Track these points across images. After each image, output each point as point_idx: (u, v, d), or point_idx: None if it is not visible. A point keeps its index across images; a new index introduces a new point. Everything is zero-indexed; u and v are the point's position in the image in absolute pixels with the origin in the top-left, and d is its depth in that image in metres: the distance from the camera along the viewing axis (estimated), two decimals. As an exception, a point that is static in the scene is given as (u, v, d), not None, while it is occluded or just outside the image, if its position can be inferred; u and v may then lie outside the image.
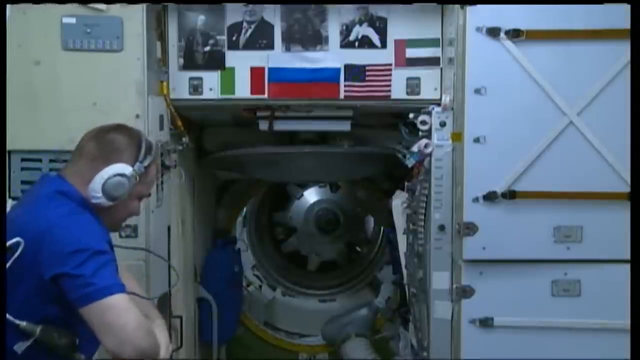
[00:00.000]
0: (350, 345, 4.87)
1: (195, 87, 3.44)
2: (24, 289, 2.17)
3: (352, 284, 5.58)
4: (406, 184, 3.66)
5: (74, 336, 2.23)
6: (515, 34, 3.08)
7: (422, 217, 3.35)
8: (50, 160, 3.13)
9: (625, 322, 2.69)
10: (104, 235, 2.30)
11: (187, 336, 3.87)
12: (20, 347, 2.15)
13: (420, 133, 3.31)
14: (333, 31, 3.40)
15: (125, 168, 2.34)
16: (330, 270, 5.92)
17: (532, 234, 3.16)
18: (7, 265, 2.12)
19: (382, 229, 5.58)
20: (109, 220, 2.41)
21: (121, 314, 2.10)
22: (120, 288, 2.15)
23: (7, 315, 2.11)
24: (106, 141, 2.38)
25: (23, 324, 2.14)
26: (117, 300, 2.12)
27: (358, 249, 6.00)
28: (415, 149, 3.29)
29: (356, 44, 3.41)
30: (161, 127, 3.34)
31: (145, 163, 2.40)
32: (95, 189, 2.31)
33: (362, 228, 5.94)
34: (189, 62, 3.42)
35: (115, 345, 2.09)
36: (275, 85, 3.43)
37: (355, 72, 3.41)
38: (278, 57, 3.41)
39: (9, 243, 2.13)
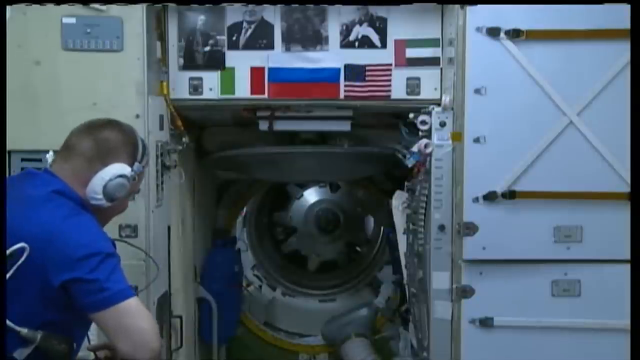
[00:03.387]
0: (350, 345, 4.87)
1: (195, 87, 3.44)
2: (27, 296, 2.12)
3: (352, 284, 5.58)
4: (406, 184, 3.66)
5: (71, 341, 2.22)
6: (515, 34, 3.09)
7: (422, 217, 3.35)
8: (50, 160, 3.14)
9: (625, 322, 2.69)
10: (107, 235, 2.27)
11: (187, 336, 3.87)
12: (21, 354, 2.13)
13: (420, 133, 3.31)
14: (333, 31, 3.40)
15: (124, 168, 2.30)
16: (330, 270, 5.92)
17: (532, 234, 3.16)
18: (11, 272, 2.07)
19: (382, 229, 5.58)
20: (101, 219, 2.36)
21: (137, 317, 2.11)
22: (133, 291, 2.16)
23: (8, 322, 2.08)
24: (101, 140, 2.31)
25: (24, 331, 2.11)
26: (132, 304, 2.12)
27: (358, 249, 5.99)
28: (415, 149, 3.29)
29: (356, 44, 3.41)
30: (161, 127, 3.34)
31: (144, 162, 2.38)
32: (95, 191, 2.26)
33: (362, 228, 5.93)
34: (189, 62, 3.42)
35: (132, 348, 2.08)
36: (275, 85, 3.43)
37: (355, 72, 3.41)
38: (278, 57, 3.41)
39: (11, 249, 2.07)
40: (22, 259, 2.07)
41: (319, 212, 5.72)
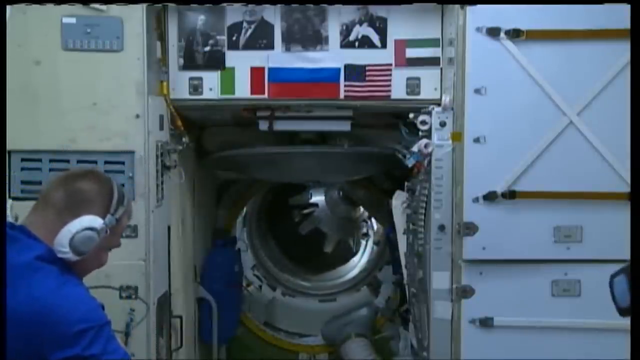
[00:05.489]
0: (350, 345, 4.87)
1: (195, 87, 3.44)
2: None
3: (352, 283, 5.58)
4: (406, 184, 3.66)
5: None
6: (515, 34, 3.09)
7: (422, 217, 3.35)
8: (50, 160, 3.14)
9: (625, 322, 2.69)
10: (95, 300, 2.18)
11: (187, 336, 3.88)
12: None
13: (420, 133, 3.31)
14: (333, 31, 3.41)
15: (94, 220, 2.17)
16: (330, 269, 5.92)
17: (532, 234, 3.17)
18: None
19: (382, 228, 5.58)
20: (79, 273, 2.25)
21: None
22: (128, 356, 2.16)
23: None
24: (74, 190, 2.19)
25: None
26: None
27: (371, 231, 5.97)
28: (415, 149, 3.29)
29: (356, 44, 3.41)
30: (161, 127, 3.34)
31: (117, 215, 2.24)
32: (62, 244, 2.14)
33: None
34: (189, 62, 3.42)
35: None
36: (275, 85, 3.44)
37: (355, 72, 3.41)
38: (278, 57, 3.42)
39: None
40: None
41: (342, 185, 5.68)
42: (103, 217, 2.20)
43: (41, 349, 2.03)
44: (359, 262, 5.86)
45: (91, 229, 2.17)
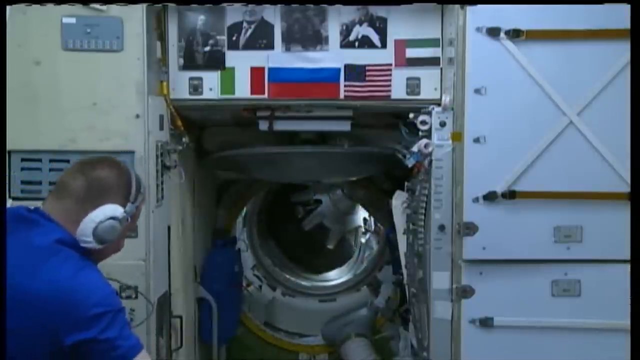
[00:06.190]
0: (350, 345, 4.87)
1: (195, 87, 3.44)
2: (36, 354, 2.07)
3: (352, 283, 5.58)
4: (406, 184, 3.66)
5: None
6: (515, 34, 3.09)
7: (422, 217, 3.35)
8: (50, 160, 3.14)
9: (625, 322, 2.69)
10: (111, 286, 2.22)
11: (187, 336, 3.87)
12: None
13: (420, 133, 3.31)
14: (333, 31, 3.40)
15: (116, 209, 2.23)
16: (330, 268, 5.92)
17: (532, 234, 3.17)
18: None
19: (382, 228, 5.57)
20: (97, 259, 2.30)
21: None
22: (141, 344, 2.17)
23: None
24: (94, 179, 2.23)
25: None
26: (142, 358, 2.16)
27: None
28: (415, 149, 3.29)
29: (356, 44, 3.41)
30: (161, 127, 3.34)
31: (137, 203, 2.30)
32: (85, 234, 2.20)
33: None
34: (189, 62, 3.42)
35: None
36: (275, 85, 3.44)
37: (355, 72, 3.41)
38: (278, 57, 3.41)
39: None
40: None
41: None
42: (124, 206, 2.26)
43: (57, 332, 2.06)
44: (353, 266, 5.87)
45: (113, 218, 2.22)
